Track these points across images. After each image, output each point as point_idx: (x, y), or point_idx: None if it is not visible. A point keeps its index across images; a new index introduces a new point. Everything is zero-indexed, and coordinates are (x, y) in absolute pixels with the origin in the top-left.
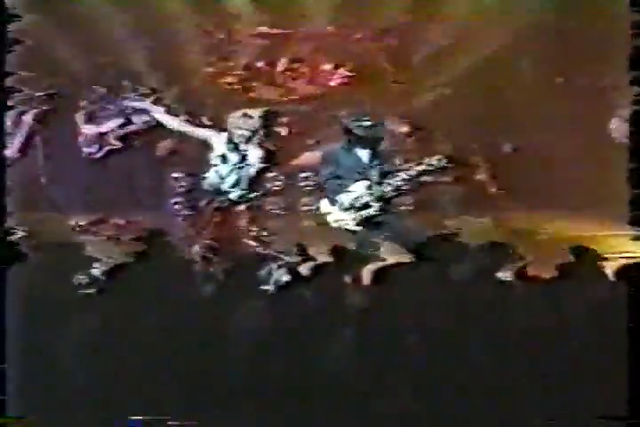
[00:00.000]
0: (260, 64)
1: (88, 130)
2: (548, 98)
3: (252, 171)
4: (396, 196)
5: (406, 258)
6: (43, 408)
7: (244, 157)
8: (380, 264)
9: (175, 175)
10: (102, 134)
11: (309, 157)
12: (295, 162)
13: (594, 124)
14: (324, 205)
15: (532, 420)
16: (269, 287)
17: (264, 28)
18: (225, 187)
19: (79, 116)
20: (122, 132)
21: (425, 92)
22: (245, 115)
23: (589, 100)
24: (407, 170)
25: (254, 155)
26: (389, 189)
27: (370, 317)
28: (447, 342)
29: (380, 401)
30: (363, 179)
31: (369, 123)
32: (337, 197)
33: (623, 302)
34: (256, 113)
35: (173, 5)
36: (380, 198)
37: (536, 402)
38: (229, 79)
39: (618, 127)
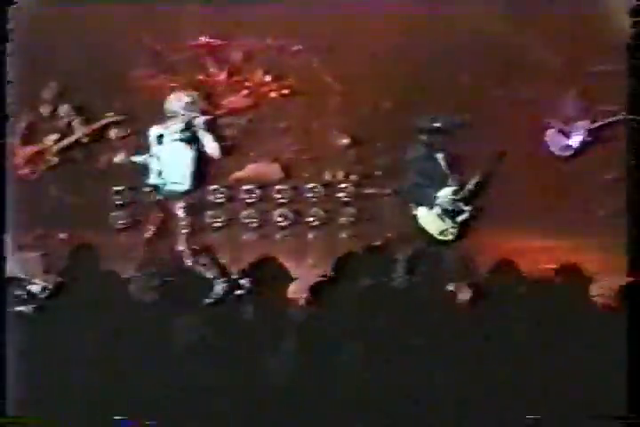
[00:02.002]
0: (200, 76)
1: (22, 151)
2: (488, 110)
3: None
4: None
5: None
6: (43, 408)
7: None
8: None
9: (116, 189)
10: (38, 153)
11: (254, 168)
12: (239, 174)
13: (532, 137)
14: (424, 213)
15: (531, 420)
16: (209, 300)
17: (203, 39)
18: (170, 178)
19: (15, 139)
20: (58, 147)
21: (365, 104)
22: (182, 97)
23: (528, 113)
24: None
25: (208, 139)
26: (468, 193)
27: (311, 330)
28: (395, 353)
29: (324, 415)
30: (446, 185)
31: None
32: (437, 202)
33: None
34: (193, 95)
35: (112, 17)
36: (467, 202)
37: (535, 402)
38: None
39: (553, 139)
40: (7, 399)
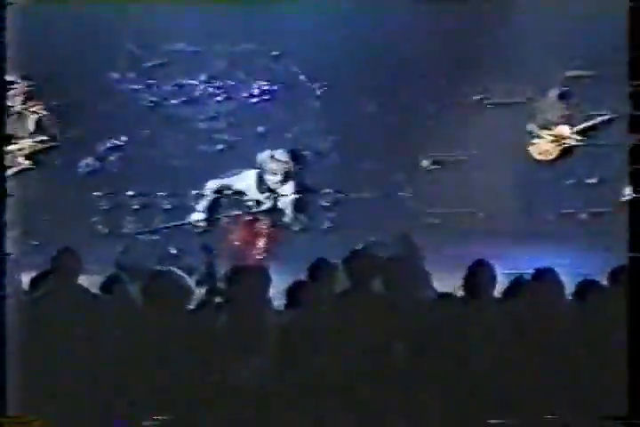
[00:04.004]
0: (180, 81)
1: None
2: (466, 114)
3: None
4: None
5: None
6: (43, 408)
7: (275, 199)
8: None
9: (96, 194)
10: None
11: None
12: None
13: (512, 140)
14: None
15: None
16: (191, 305)
17: (182, 45)
18: None
19: None
20: (30, 150)
21: (346, 109)
22: (274, 158)
23: (506, 117)
24: None
25: (288, 190)
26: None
27: (286, 334)
28: (373, 357)
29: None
30: None
31: None
32: None
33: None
34: (284, 155)
35: (93, 21)
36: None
37: (536, 402)
38: (150, 97)
39: (534, 143)
40: (7, 399)
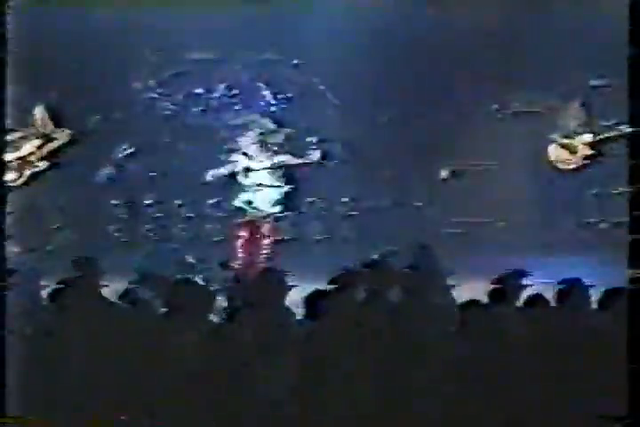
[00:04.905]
0: (198, 90)
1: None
2: (485, 123)
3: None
4: None
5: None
6: (43, 408)
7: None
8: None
9: (114, 202)
10: (22, 158)
11: None
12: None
13: (531, 149)
14: None
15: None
16: (215, 316)
17: (203, 54)
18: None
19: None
20: (44, 152)
21: (364, 118)
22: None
23: (526, 126)
24: None
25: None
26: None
27: (309, 344)
28: (388, 367)
29: None
30: None
31: None
32: None
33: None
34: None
35: (114, 28)
36: None
37: (536, 402)
38: (169, 106)
39: (555, 152)
40: (7, 399)
